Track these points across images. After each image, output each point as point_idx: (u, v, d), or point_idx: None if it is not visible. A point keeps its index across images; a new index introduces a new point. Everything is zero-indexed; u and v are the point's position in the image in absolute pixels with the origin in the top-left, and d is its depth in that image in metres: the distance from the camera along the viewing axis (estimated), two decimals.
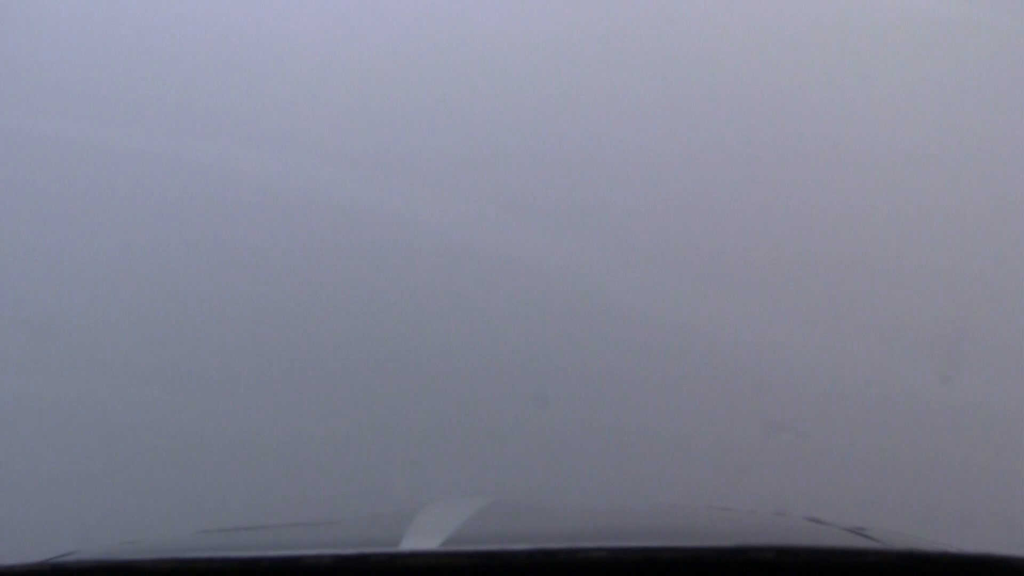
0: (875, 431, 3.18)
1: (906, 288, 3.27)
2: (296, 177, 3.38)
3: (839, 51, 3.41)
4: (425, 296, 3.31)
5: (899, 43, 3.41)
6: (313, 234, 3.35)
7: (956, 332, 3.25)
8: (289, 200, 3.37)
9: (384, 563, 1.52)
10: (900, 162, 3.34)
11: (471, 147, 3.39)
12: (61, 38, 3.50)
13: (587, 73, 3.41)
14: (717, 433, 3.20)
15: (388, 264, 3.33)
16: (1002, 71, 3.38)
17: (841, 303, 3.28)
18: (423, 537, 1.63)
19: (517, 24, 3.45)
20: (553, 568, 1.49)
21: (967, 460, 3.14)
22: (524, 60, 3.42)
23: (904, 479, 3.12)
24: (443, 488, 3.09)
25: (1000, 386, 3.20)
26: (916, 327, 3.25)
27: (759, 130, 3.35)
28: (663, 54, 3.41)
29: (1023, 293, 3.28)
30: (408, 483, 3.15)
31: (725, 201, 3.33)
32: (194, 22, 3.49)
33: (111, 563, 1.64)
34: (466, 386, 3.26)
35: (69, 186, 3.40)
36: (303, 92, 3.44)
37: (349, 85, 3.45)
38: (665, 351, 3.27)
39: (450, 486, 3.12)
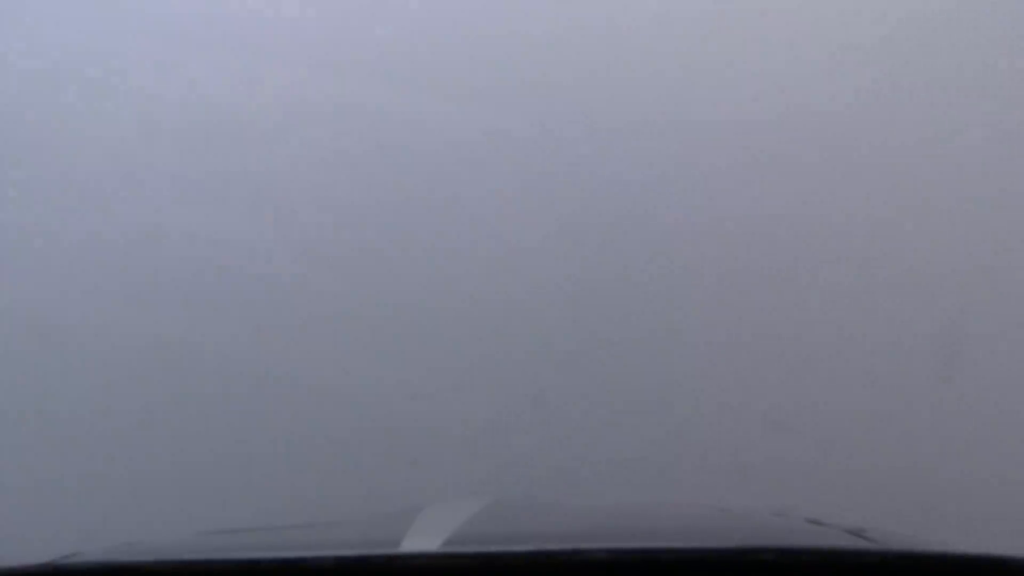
0: (875, 431, 3.18)
1: (906, 288, 3.27)
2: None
3: (840, 48, 3.41)
4: (424, 295, 3.31)
5: (900, 39, 3.41)
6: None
7: (956, 332, 3.25)
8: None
9: (385, 564, 1.52)
10: (900, 160, 3.34)
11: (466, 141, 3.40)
12: None
13: None
14: (717, 433, 3.20)
15: (386, 263, 3.33)
16: (1003, 69, 3.38)
17: (841, 302, 3.28)
18: (424, 538, 1.63)
19: None
20: (554, 568, 1.49)
21: (967, 460, 3.14)
22: None
23: (904, 479, 3.12)
24: (443, 488, 3.09)
25: (1000, 386, 3.21)
26: (916, 327, 3.25)
27: (756, 125, 3.35)
28: None
29: (1023, 293, 3.28)
30: (408, 483, 3.15)
31: (722, 201, 3.33)
32: None
33: (113, 564, 1.64)
34: (466, 386, 3.26)
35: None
36: None
37: None
38: (664, 350, 3.27)
39: (450, 486, 3.11)
